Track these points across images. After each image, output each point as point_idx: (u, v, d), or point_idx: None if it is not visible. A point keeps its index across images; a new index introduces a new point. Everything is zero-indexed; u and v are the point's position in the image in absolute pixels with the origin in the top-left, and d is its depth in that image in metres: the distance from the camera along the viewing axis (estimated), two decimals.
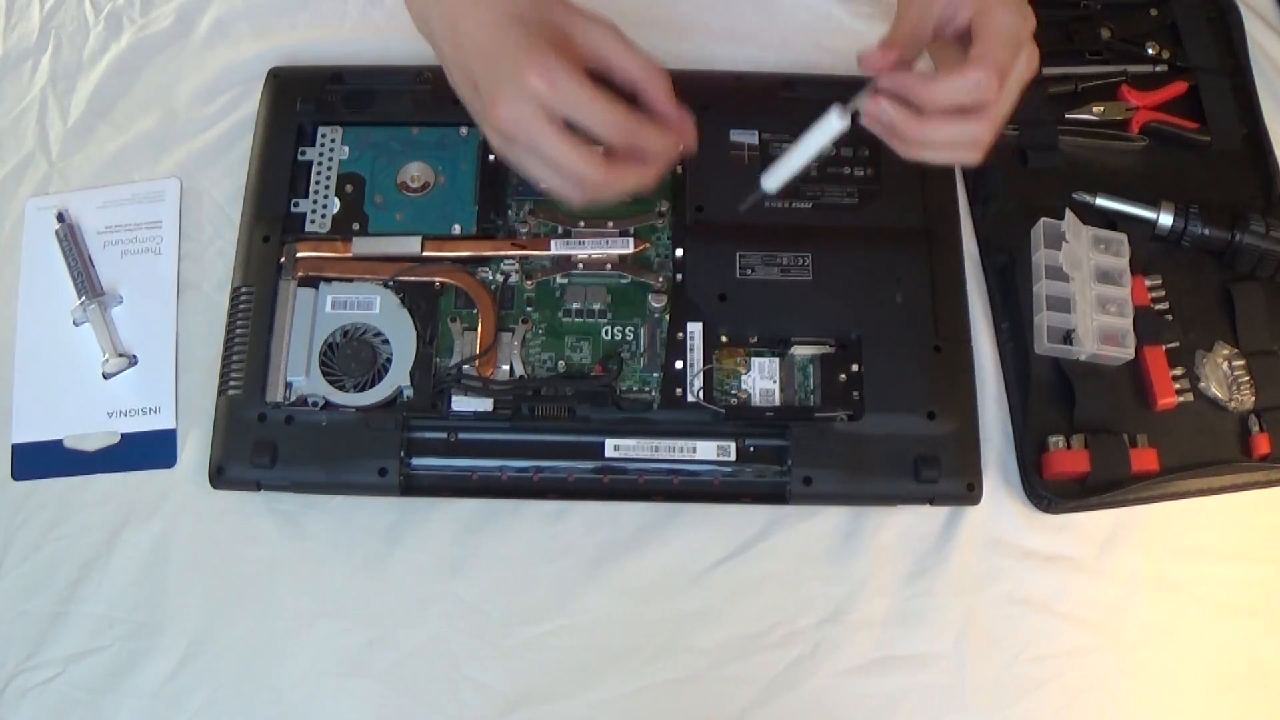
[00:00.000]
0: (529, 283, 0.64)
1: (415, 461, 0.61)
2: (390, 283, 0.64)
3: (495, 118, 0.51)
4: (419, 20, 0.57)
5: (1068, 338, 0.64)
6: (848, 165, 0.67)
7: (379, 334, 0.63)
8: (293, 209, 0.66)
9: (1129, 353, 0.64)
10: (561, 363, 0.63)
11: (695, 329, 0.63)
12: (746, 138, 0.68)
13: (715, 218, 0.65)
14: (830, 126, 0.53)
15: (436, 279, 0.64)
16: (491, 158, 0.67)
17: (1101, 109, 0.71)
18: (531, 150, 0.52)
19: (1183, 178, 0.70)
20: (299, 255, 0.64)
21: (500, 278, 0.65)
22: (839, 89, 0.68)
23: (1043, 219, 0.66)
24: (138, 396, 0.64)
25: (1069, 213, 0.66)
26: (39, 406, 0.64)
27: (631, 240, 0.65)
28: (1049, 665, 0.60)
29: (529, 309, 0.64)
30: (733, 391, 0.63)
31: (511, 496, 0.62)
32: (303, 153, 0.67)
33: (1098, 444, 0.62)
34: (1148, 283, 0.66)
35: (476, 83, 0.52)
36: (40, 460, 0.64)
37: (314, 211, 0.66)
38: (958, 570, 0.61)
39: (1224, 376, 0.65)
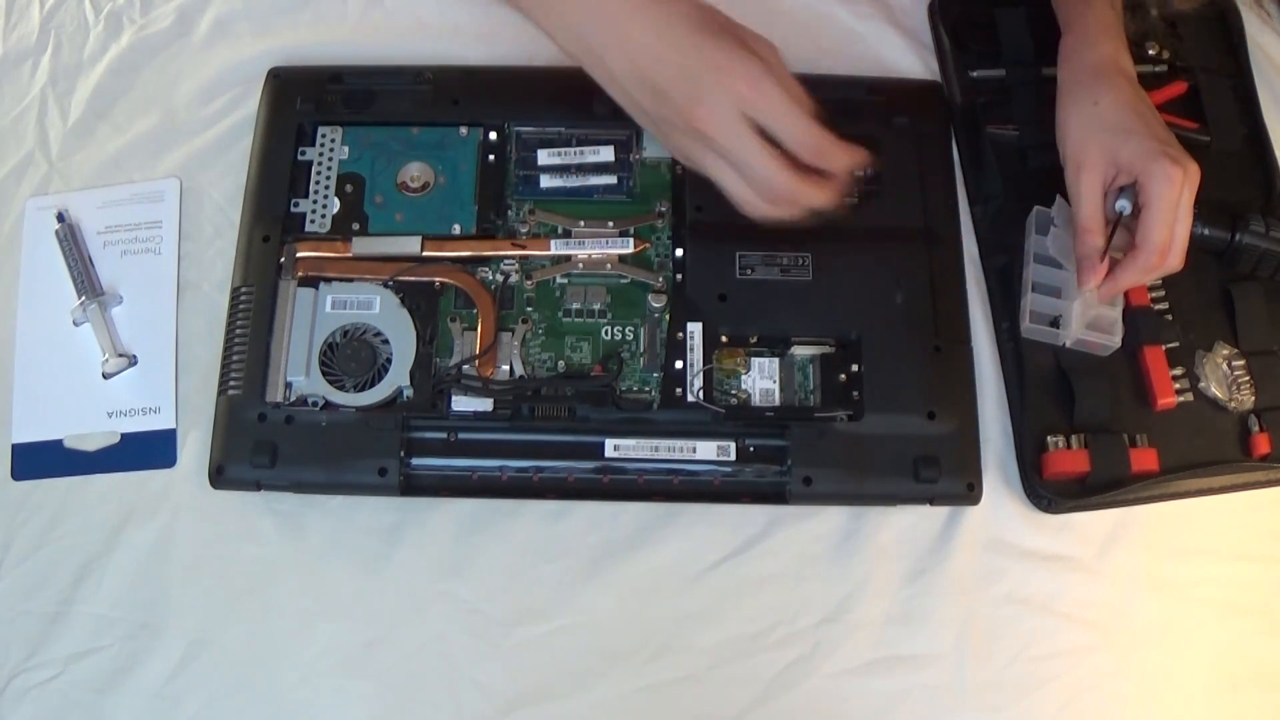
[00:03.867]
0: (529, 283, 0.64)
1: (415, 461, 0.61)
2: (390, 283, 0.64)
3: (696, 118, 0.53)
4: (568, 35, 0.57)
5: (1055, 322, 0.64)
6: None
7: (379, 334, 0.63)
8: (293, 209, 0.66)
9: (1116, 341, 0.63)
10: (561, 363, 0.63)
11: (695, 329, 0.63)
12: None
13: (715, 218, 0.65)
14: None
15: (436, 279, 0.64)
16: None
17: None
18: (727, 154, 0.54)
19: None
20: (299, 255, 0.64)
21: (500, 278, 0.65)
22: (839, 89, 0.70)
23: (1036, 207, 0.66)
24: (138, 396, 0.64)
25: (1059, 199, 0.66)
26: (39, 406, 0.64)
27: (631, 240, 0.65)
28: (1049, 665, 0.60)
29: (529, 309, 0.64)
30: (733, 391, 0.63)
31: (511, 496, 0.62)
32: (303, 153, 0.67)
33: (1098, 444, 0.62)
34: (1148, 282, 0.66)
35: (665, 90, 0.54)
36: (40, 460, 0.64)
37: (314, 211, 0.66)
38: (957, 570, 0.61)
39: (1224, 376, 0.65)
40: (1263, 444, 0.63)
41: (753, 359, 0.63)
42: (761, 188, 0.55)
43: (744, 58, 0.53)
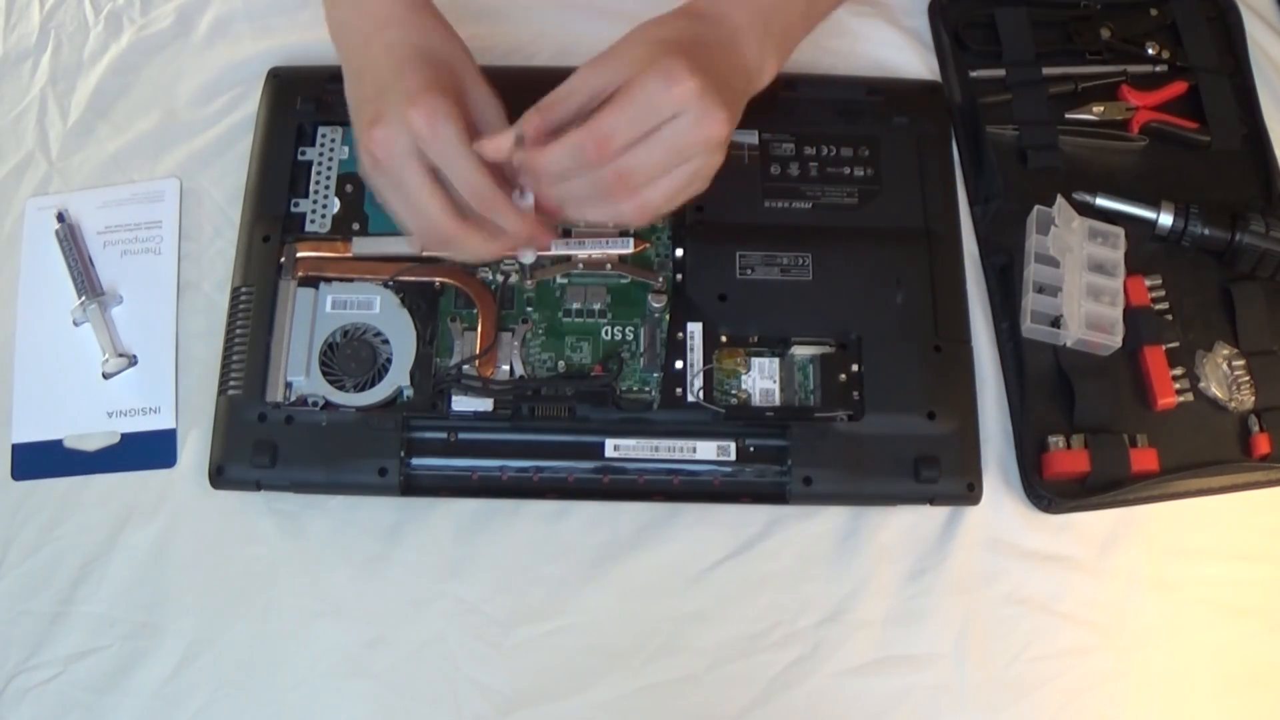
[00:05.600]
0: (529, 283, 0.64)
1: (415, 461, 0.61)
2: (390, 283, 0.64)
3: (368, 139, 0.51)
4: (333, 24, 0.58)
5: (1056, 322, 0.64)
6: (848, 165, 0.67)
7: (379, 334, 0.63)
8: (293, 209, 0.66)
9: (1116, 341, 0.63)
10: (561, 363, 0.63)
11: (695, 329, 0.63)
12: (747, 138, 0.68)
13: (715, 218, 0.65)
14: None
15: (436, 279, 0.64)
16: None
17: (1101, 109, 0.71)
18: (394, 182, 0.52)
19: (1183, 178, 0.70)
20: (299, 255, 0.64)
21: (500, 278, 0.65)
22: (839, 89, 0.70)
23: (1037, 207, 0.66)
24: (138, 396, 0.64)
25: (1059, 198, 0.66)
26: (39, 406, 0.64)
27: (631, 240, 0.65)
28: (1049, 665, 0.60)
29: (529, 309, 0.64)
30: (733, 391, 0.63)
31: (511, 496, 0.62)
32: (303, 153, 0.67)
33: (1098, 444, 0.62)
34: (1147, 283, 0.66)
35: (364, 99, 0.53)
36: (40, 460, 0.64)
37: (314, 211, 0.66)
38: (958, 570, 0.61)
39: (1224, 376, 0.65)
40: (1263, 444, 0.63)
41: (753, 359, 0.63)
42: (421, 224, 0.53)
43: (435, 95, 0.50)
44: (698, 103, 0.48)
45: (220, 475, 0.61)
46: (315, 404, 0.61)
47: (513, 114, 0.68)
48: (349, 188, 0.66)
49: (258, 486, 0.61)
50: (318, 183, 0.67)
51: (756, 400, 0.63)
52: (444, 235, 0.53)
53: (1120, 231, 0.66)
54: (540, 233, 0.54)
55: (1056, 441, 0.63)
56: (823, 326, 0.64)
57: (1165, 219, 0.67)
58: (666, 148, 0.49)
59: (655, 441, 0.61)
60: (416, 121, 0.50)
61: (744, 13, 0.54)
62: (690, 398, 0.62)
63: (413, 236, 0.55)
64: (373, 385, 0.61)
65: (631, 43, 0.51)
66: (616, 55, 0.50)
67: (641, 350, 0.63)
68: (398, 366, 0.62)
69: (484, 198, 0.51)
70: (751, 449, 0.62)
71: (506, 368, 0.62)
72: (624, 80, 0.48)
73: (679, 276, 0.65)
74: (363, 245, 0.65)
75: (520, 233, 0.53)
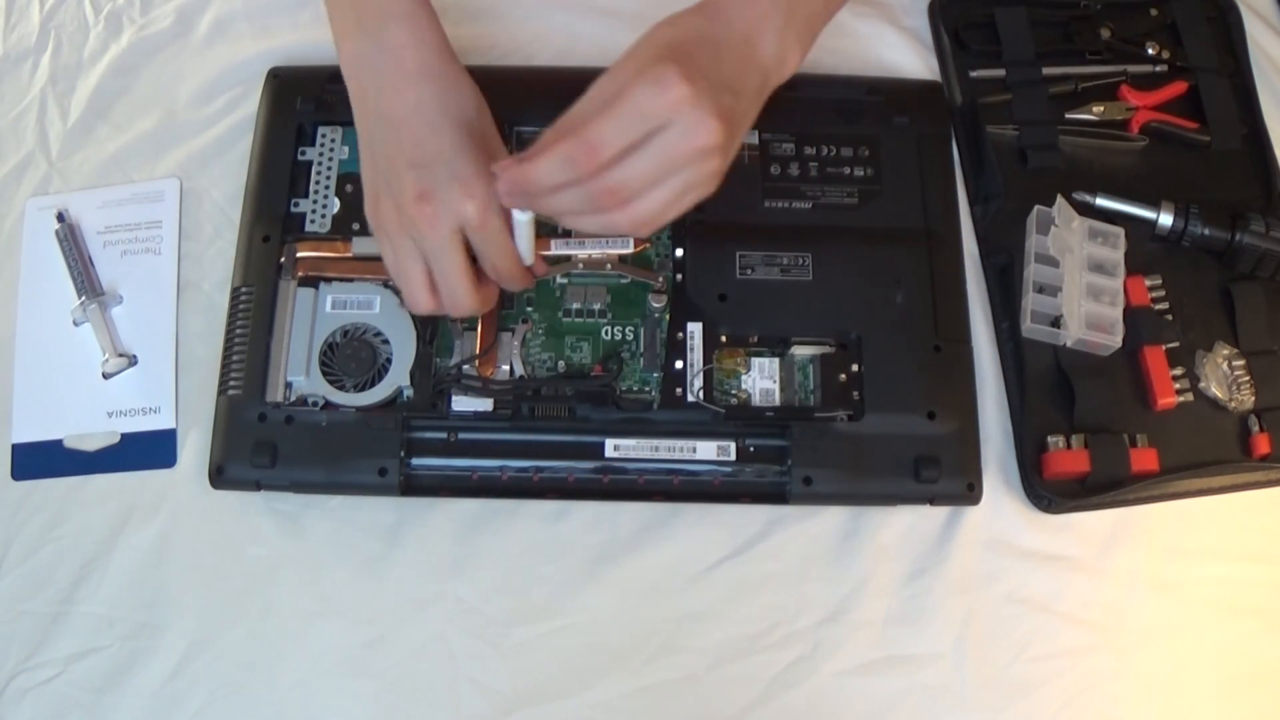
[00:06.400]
0: None
1: (415, 461, 0.61)
2: (390, 283, 0.64)
3: (419, 211, 0.52)
4: (352, 59, 0.57)
5: (1056, 322, 0.64)
6: (848, 165, 0.67)
7: (379, 334, 0.63)
8: (293, 209, 0.66)
9: (1116, 341, 0.63)
10: (561, 363, 0.63)
11: (695, 329, 0.63)
12: (746, 138, 0.67)
13: (715, 218, 0.65)
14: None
15: None
16: None
17: (1101, 109, 0.71)
18: (430, 255, 0.54)
19: (1183, 178, 0.70)
20: (299, 255, 0.64)
21: None
22: (839, 89, 0.70)
23: (1037, 207, 0.66)
24: (138, 396, 0.64)
25: (1059, 198, 0.66)
26: (39, 406, 0.64)
27: (631, 240, 0.65)
28: (1049, 665, 0.60)
29: (529, 309, 0.64)
30: (733, 391, 0.63)
31: (511, 496, 0.62)
32: (303, 153, 0.67)
33: (1098, 444, 0.62)
34: (1147, 282, 0.66)
35: (399, 167, 0.53)
36: (40, 460, 0.64)
37: (314, 211, 0.66)
38: (958, 570, 0.61)
39: (1224, 376, 0.65)
40: (1263, 444, 0.63)
41: (753, 359, 0.63)
42: (443, 293, 0.55)
43: (486, 184, 0.52)
44: (689, 112, 0.47)
45: (220, 475, 0.61)
46: (315, 404, 0.61)
47: (514, 114, 0.68)
48: (349, 188, 0.66)
49: (258, 486, 0.61)
50: (318, 183, 0.67)
51: (756, 400, 0.63)
52: (461, 304, 0.55)
53: (1120, 231, 0.66)
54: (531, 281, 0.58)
55: (1056, 441, 0.63)
56: (823, 326, 0.64)
57: (1165, 219, 0.67)
58: (657, 158, 0.48)
59: (655, 441, 0.61)
60: (470, 211, 0.52)
61: (763, 3, 0.53)
62: (690, 398, 0.62)
63: (419, 302, 0.56)
64: (373, 385, 0.61)
65: (637, 47, 0.50)
66: (621, 62, 0.50)
67: (641, 350, 0.63)
68: (398, 366, 0.62)
69: (513, 276, 0.56)
70: (751, 449, 0.62)
71: (506, 368, 0.62)
72: (622, 88, 0.48)
73: (679, 276, 0.65)
74: (363, 245, 0.65)
75: (523, 287, 0.58)
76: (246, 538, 0.62)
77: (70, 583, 0.61)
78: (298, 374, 0.61)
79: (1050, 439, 0.63)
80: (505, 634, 0.60)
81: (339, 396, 0.61)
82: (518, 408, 0.61)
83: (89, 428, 0.64)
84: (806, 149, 0.68)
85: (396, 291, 0.63)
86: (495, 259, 0.55)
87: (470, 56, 0.71)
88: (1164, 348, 0.65)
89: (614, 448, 0.61)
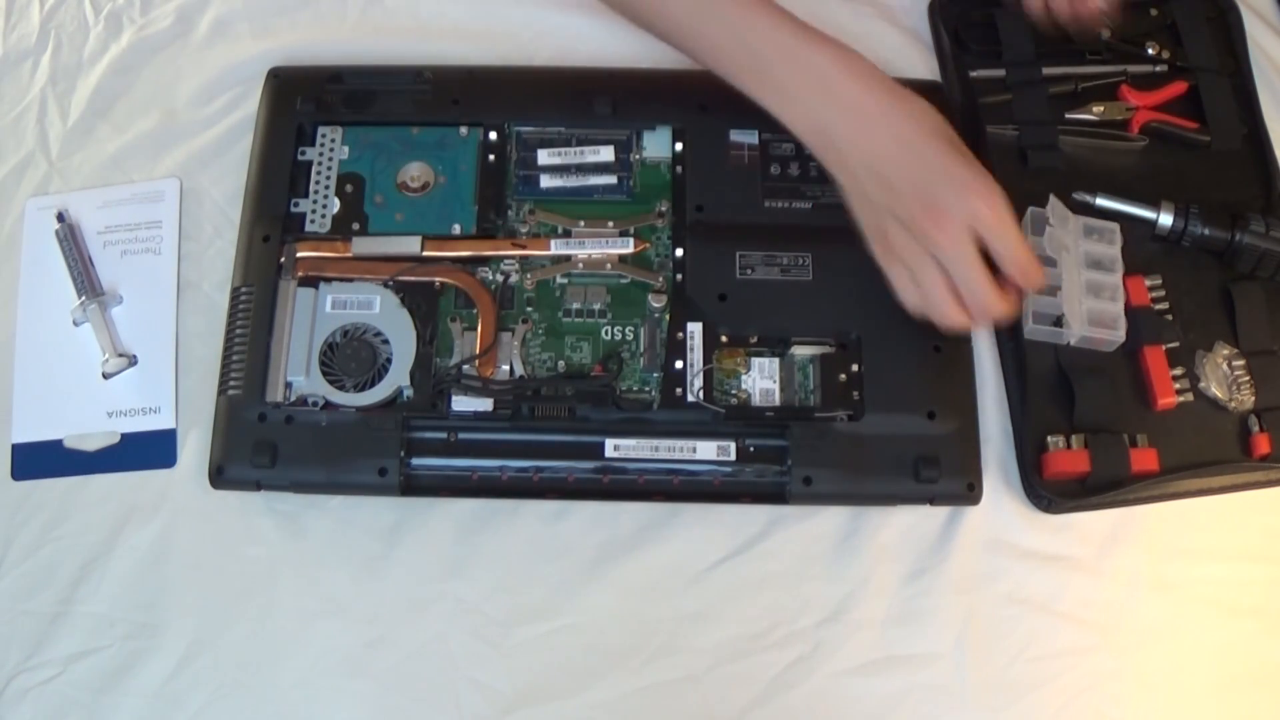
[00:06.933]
0: (529, 282, 0.64)
1: (415, 461, 0.61)
2: (390, 283, 0.64)
3: (932, 223, 0.55)
4: (804, 118, 0.60)
5: (1058, 322, 0.64)
6: None
7: (379, 334, 0.63)
8: (293, 209, 0.66)
9: (1120, 335, 0.63)
10: (561, 363, 0.63)
11: (695, 329, 0.63)
12: (746, 138, 0.68)
13: (715, 218, 0.65)
14: None
15: (436, 279, 0.64)
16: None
17: (1101, 109, 0.71)
18: (949, 261, 0.56)
19: (1183, 178, 0.70)
20: (299, 255, 0.64)
21: (500, 278, 0.65)
22: None
23: (1031, 208, 0.66)
24: (138, 396, 0.64)
25: (1052, 198, 0.66)
26: (39, 406, 0.64)
27: (631, 240, 0.65)
28: (1049, 665, 0.60)
29: (529, 309, 0.64)
30: (733, 391, 0.63)
31: (511, 496, 0.62)
32: (303, 153, 0.67)
33: (1098, 444, 0.62)
34: (1148, 283, 0.66)
35: (901, 190, 0.57)
36: (40, 460, 0.64)
37: (314, 211, 0.66)
38: (958, 570, 0.61)
39: (1224, 376, 0.65)
40: (1263, 444, 0.63)
41: (753, 359, 0.63)
42: (970, 299, 0.57)
43: (984, 179, 0.56)
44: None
45: (220, 475, 0.61)
46: (315, 404, 0.61)
47: (514, 113, 0.68)
48: (349, 188, 0.66)
49: (258, 486, 0.61)
50: (318, 183, 0.67)
51: (756, 400, 0.63)
52: (988, 305, 0.57)
53: (1115, 226, 0.66)
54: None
55: (1056, 441, 0.63)
56: (823, 326, 0.64)
57: (1165, 219, 0.67)
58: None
59: (655, 441, 0.61)
60: (980, 207, 0.55)
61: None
62: (690, 398, 0.62)
63: (939, 309, 0.58)
64: (373, 385, 0.61)
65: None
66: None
67: (641, 350, 0.63)
68: (398, 366, 0.62)
69: (1027, 266, 0.57)
70: (751, 449, 0.62)
71: (506, 368, 0.62)
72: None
73: (679, 276, 0.65)
74: (363, 245, 0.65)
75: (1036, 287, 0.59)
76: (246, 538, 0.62)
77: (70, 583, 0.61)
78: (298, 374, 0.61)
79: (1050, 439, 0.63)
80: (505, 634, 0.60)
81: (339, 396, 0.61)
82: (518, 408, 0.61)
83: (89, 428, 0.64)
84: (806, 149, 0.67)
85: (397, 291, 0.63)
86: (1014, 250, 0.56)
87: (471, 57, 0.72)
88: (1164, 348, 0.65)
89: (614, 448, 0.61)
